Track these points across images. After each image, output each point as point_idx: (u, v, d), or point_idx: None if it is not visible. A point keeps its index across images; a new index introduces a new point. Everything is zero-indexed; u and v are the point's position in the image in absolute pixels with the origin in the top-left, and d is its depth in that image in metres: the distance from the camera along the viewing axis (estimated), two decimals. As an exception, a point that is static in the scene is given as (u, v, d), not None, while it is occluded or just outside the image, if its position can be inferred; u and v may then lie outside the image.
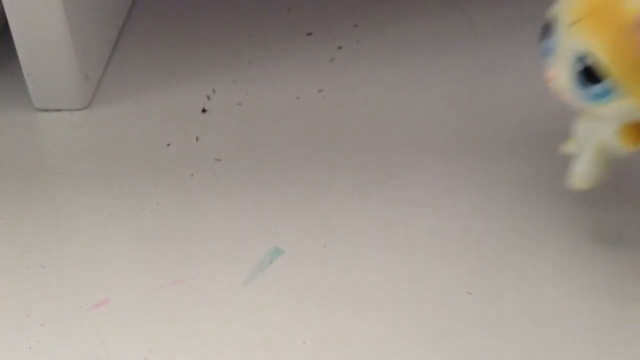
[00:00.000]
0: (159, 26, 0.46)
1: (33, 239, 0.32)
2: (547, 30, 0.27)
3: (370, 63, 0.41)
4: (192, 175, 0.35)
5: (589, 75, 0.25)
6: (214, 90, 0.40)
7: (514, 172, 0.34)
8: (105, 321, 0.29)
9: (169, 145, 0.37)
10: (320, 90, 0.40)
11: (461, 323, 0.28)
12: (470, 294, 0.29)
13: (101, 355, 0.27)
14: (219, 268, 0.31)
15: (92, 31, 0.40)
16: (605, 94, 0.25)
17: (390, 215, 0.32)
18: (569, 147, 0.31)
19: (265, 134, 0.37)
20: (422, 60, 0.41)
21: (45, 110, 0.39)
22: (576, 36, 0.25)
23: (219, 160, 0.36)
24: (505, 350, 0.27)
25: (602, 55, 0.25)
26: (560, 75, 0.26)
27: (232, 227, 0.32)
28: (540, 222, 0.32)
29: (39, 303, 0.29)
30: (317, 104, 0.39)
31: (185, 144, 0.37)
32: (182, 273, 0.30)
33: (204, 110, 0.39)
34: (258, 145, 0.37)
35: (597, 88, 0.25)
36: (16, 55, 0.38)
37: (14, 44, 0.37)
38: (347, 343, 0.28)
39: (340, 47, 0.43)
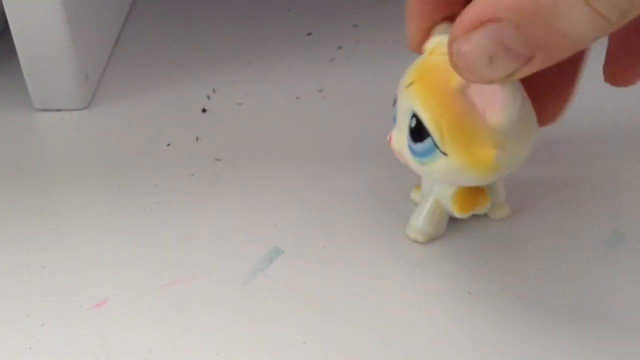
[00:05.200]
0: (159, 26, 0.46)
1: (33, 239, 0.32)
2: (395, 99, 0.29)
3: (370, 63, 0.41)
4: (192, 175, 0.35)
5: (418, 134, 0.27)
6: (214, 90, 0.40)
7: (515, 172, 0.34)
8: (105, 321, 0.29)
9: (169, 145, 0.37)
10: (320, 90, 0.40)
11: (461, 323, 0.28)
12: (470, 294, 0.29)
13: (101, 355, 0.27)
14: (219, 268, 0.31)
15: (92, 31, 0.40)
16: (428, 152, 0.27)
17: (391, 215, 0.32)
18: (415, 196, 0.33)
19: (265, 134, 0.37)
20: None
21: (45, 110, 0.39)
22: (409, 98, 0.27)
23: (219, 160, 0.36)
24: (506, 350, 0.27)
25: (426, 115, 0.26)
26: (396, 136, 0.28)
27: (232, 227, 0.32)
28: (538, 222, 0.32)
29: (39, 303, 0.29)
30: (317, 104, 0.39)
31: (185, 144, 0.37)
32: (182, 273, 0.30)
33: (204, 110, 0.39)
34: (258, 145, 0.37)
35: (421, 146, 0.27)
36: (16, 55, 0.38)
37: (14, 44, 0.37)
38: (347, 343, 0.28)
39: (340, 47, 0.43)
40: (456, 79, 0.25)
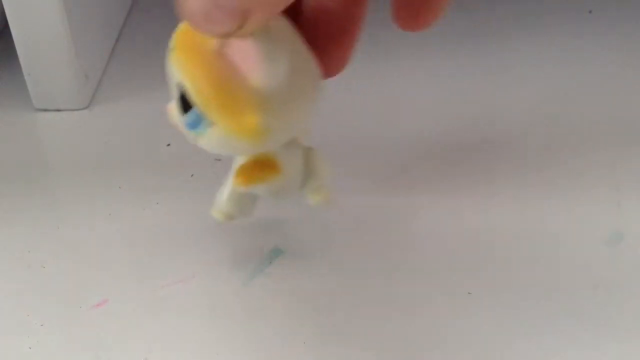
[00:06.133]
0: (159, 26, 0.46)
1: (33, 239, 0.32)
2: None
3: (370, 63, 0.41)
4: (192, 175, 0.35)
5: (185, 103, 0.24)
6: (214, 90, 0.40)
7: (512, 170, 0.34)
8: (105, 321, 0.29)
9: (169, 145, 0.37)
10: (320, 90, 0.40)
11: (461, 323, 0.28)
12: (470, 294, 0.29)
13: (101, 355, 0.27)
14: (219, 268, 0.31)
15: (92, 31, 0.40)
16: (196, 123, 0.24)
17: (391, 215, 0.32)
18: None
19: (265, 134, 0.37)
20: (422, 60, 0.41)
21: (45, 110, 0.39)
22: (173, 65, 0.25)
23: (219, 160, 0.36)
24: (505, 350, 0.27)
25: (188, 84, 0.24)
26: (172, 108, 0.26)
27: (232, 227, 0.32)
28: (539, 223, 0.32)
29: (39, 303, 0.29)
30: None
31: (185, 144, 0.37)
32: (182, 273, 0.30)
33: (204, 110, 0.39)
34: (258, 145, 0.37)
35: (188, 117, 0.25)
36: (16, 55, 0.38)
37: (14, 44, 0.37)
38: (347, 343, 0.28)
39: (340, 47, 0.43)
40: (214, 42, 0.23)
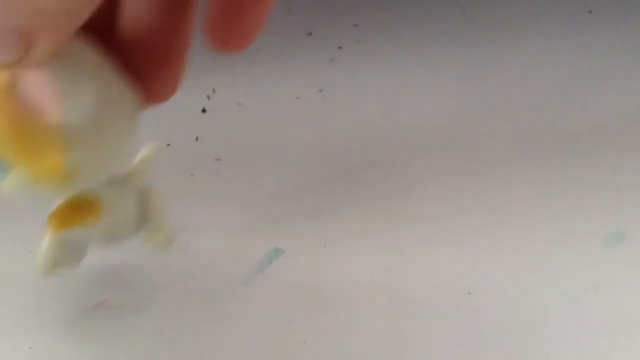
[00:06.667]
0: (159, 26, 0.46)
1: (33, 239, 0.32)
2: None
3: (370, 63, 0.41)
4: (192, 175, 0.35)
5: None
6: (214, 90, 0.40)
7: (512, 170, 0.34)
8: (105, 321, 0.29)
9: (168, 145, 0.37)
10: (320, 90, 0.40)
11: (461, 323, 0.28)
12: (470, 294, 0.29)
13: (101, 355, 0.27)
14: (219, 268, 0.31)
15: (92, 31, 0.40)
16: None
17: (391, 215, 0.32)
18: None
19: (265, 134, 0.37)
20: (422, 60, 0.41)
21: (45, 110, 0.39)
22: None
23: (219, 160, 0.36)
24: (505, 350, 0.27)
25: None
26: None
27: (232, 227, 0.32)
28: (539, 222, 0.32)
29: (39, 303, 0.29)
30: (317, 104, 0.39)
31: (185, 144, 0.37)
32: (183, 273, 0.30)
33: (204, 110, 0.39)
34: (258, 145, 0.37)
35: None
36: (16, 55, 0.38)
37: (14, 44, 0.37)
38: (347, 343, 0.28)
39: (340, 47, 0.43)
40: (4, 75, 0.20)
